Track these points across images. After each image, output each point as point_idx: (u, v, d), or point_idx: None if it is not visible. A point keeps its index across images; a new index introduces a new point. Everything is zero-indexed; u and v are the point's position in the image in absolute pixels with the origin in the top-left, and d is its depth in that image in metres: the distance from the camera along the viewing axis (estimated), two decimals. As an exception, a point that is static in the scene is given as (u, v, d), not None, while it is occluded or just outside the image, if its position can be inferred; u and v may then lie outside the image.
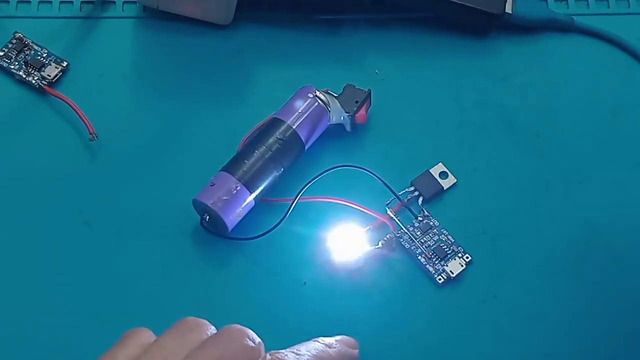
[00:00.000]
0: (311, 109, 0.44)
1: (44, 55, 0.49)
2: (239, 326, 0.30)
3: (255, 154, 0.42)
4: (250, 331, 0.30)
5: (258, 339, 0.29)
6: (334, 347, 0.33)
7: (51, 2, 0.51)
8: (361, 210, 0.44)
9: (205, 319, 0.30)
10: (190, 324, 0.30)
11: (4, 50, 0.49)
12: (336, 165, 0.44)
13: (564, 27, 0.51)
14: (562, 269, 0.43)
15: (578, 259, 0.43)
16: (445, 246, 0.43)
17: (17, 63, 0.48)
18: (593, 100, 0.49)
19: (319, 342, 0.33)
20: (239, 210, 0.42)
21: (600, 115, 0.48)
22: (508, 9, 0.49)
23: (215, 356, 0.28)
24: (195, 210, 0.43)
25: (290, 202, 0.42)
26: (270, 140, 0.43)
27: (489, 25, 0.51)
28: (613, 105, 0.49)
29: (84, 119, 0.45)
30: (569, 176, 0.46)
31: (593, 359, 0.41)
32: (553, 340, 0.41)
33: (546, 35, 0.51)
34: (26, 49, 0.49)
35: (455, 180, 0.45)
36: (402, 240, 0.43)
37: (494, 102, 0.49)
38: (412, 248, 0.43)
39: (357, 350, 0.36)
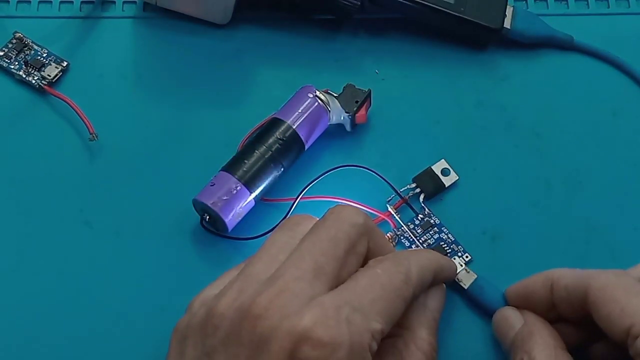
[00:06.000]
0: (311, 109, 0.44)
1: (44, 55, 0.49)
2: (342, 206, 0.31)
3: (255, 154, 0.42)
4: (354, 208, 0.30)
5: (363, 215, 0.31)
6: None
7: (51, 2, 0.51)
8: (361, 209, 0.43)
9: None
10: (296, 218, 0.31)
11: (4, 50, 0.49)
12: (337, 165, 0.44)
13: (563, 45, 0.50)
14: (562, 268, 0.43)
15: (578, 258, 0.43)
16: (446, 245, 0.43)
17: (17, 63, 0.48)
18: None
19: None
20: (239, 210, 0.42)
21: (601, 116, 0.48)
22: (507, 24, 0.49)
23: (329, 237, 0.28)
24: (195, 210, 0.43)
25: (291, 203, 0.42)
26: (270, 140, 0.43)
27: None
28: (612, 110, 0.49)
29: (84, 119, 0.45)
30: (569, 176, 0.46)
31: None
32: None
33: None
34: (26, 49, 0.49)
35: (457, 178, 0.45)
36: (402, 238, 0.43)
37: (494, 102, 0.49)
38: (413, 247, 0.43)
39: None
